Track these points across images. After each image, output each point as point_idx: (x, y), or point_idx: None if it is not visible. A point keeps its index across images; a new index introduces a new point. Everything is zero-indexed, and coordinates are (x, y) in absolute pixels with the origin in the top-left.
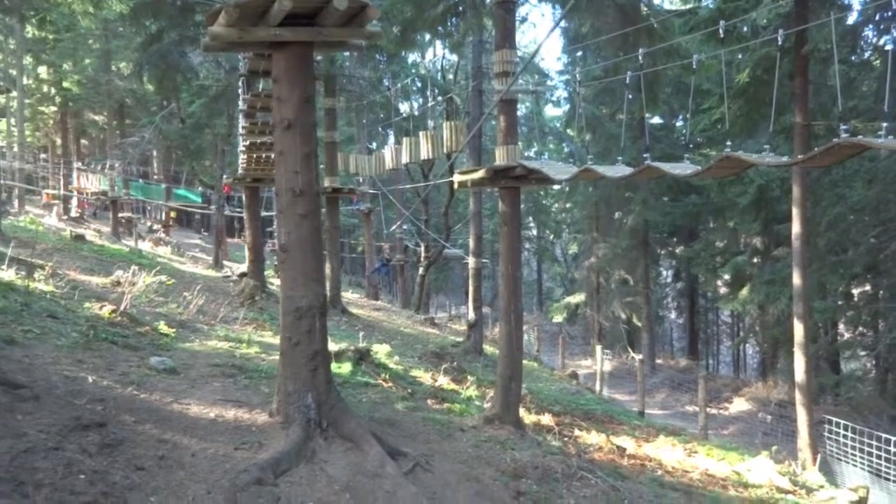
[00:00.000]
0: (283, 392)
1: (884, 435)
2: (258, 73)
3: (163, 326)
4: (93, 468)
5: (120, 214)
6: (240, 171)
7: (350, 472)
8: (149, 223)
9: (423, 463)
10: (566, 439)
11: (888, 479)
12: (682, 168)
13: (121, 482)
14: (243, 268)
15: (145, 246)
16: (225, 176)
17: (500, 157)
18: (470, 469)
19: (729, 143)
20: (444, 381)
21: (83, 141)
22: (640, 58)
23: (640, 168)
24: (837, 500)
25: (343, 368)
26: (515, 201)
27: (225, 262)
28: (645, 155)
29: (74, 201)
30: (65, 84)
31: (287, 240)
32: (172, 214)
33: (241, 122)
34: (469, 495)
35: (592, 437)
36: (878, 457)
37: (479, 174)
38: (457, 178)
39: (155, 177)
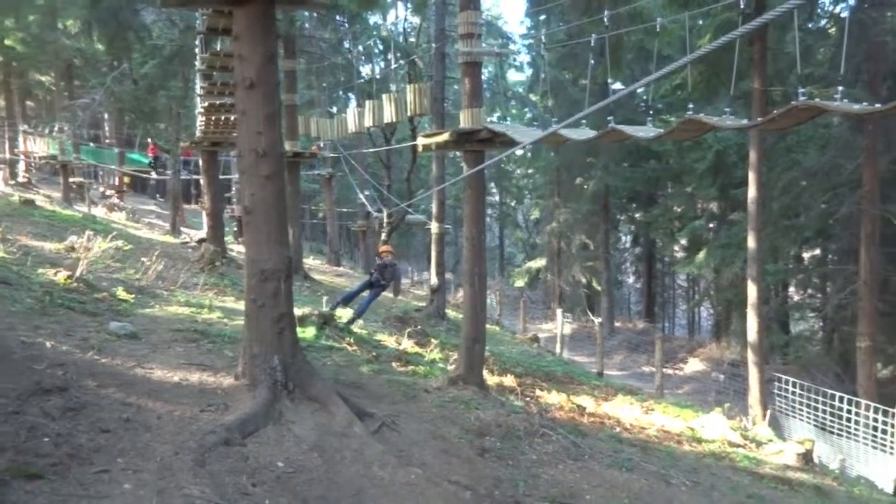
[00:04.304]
0: (249, 354)
1: (829, 391)
2: (217, 30)
3: (121, 292)
4: (57, 431)
5: (71, 179)
6: (197, 133)
7: (318, 433)
8: (101, 188)
9: (390, 423)
10: (528, 399)
11: (832, 433)
12: (646, 131)
13: (86, 444)
14: (202, 234)
15: (99, 212)
16: (156, 140)
17: (465, 120)
18: (435, 428)
19: (691, 106)
20: (408, 345)
21: (29, 103)
22: (605, 20)
23: (604, 131)
24: (785, 452)
25: (307, 333)
26: (479, 164)
27: (182, 229)
28: (609, 118)
29: (22, 165)
30: (7, 42)
31: (251, 202)
32: (126, 179)
33: (199, 82)
34: (435, 452)
35: (553, 397)
36: (824, 411)
37: (444, 137)
38: (421, 141)
39: (107, 141)
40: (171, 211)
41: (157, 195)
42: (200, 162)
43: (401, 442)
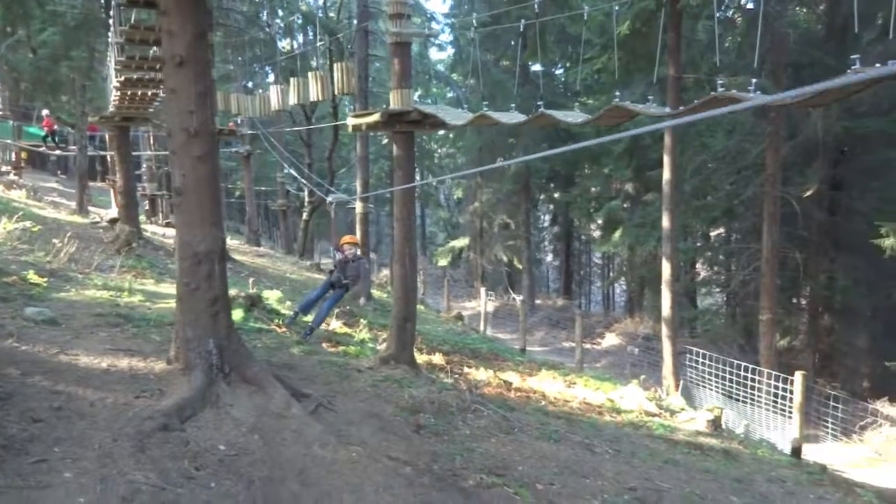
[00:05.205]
0: (182, 338)
1: (734, 361)
2: (138, 3)
3: (32, 276)
4: None
5: None
6: (110, 108)
7: (256, 415)
8: None
9: (326, 403)
10: (457, 376)
11: (737, 400)
12: (574, 116)
13: (19, 434)
14: (112, 213)
15: None
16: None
17: (395, 101)
18: (371, 407)
19: (618, 93)
20: (336, 326)
21: None
22: (535, 7)
23: (534, 115)
24: (696, 420)
25: (235, 315)
26: (409, 145)
27: (90, 208)
28: (539, 103)
29: None
30: None
31: (182, 183)
32: (24, 155)
33: (115, 55)
34: (373, 431)
35: (481, 374)
36: (730, 381)
37: (375, 118)
38: (351, 121)
39: (0, 113)
40: (77, 189)
41: (59, 172)
42: (107, 138)
43: (338, 421)
